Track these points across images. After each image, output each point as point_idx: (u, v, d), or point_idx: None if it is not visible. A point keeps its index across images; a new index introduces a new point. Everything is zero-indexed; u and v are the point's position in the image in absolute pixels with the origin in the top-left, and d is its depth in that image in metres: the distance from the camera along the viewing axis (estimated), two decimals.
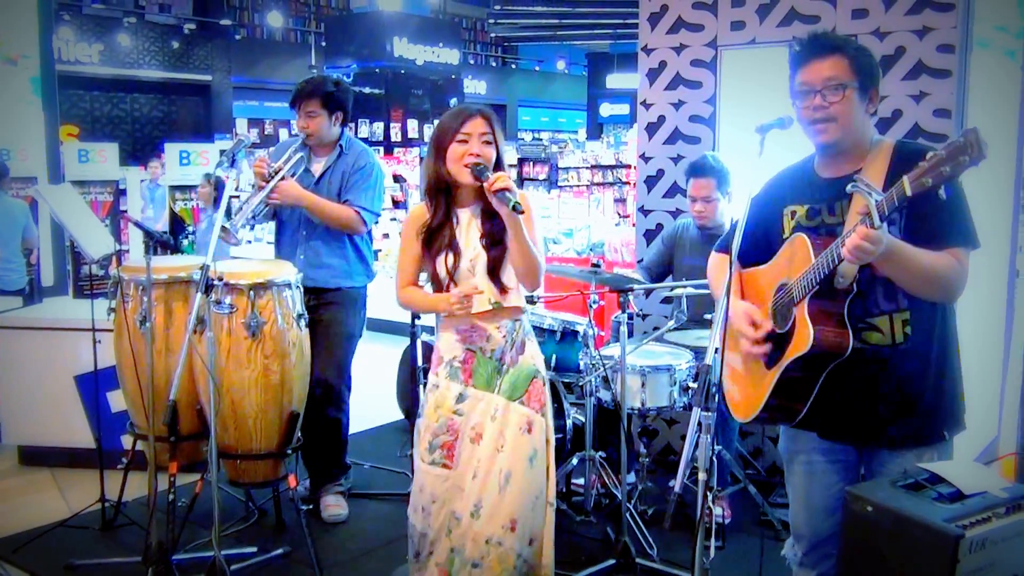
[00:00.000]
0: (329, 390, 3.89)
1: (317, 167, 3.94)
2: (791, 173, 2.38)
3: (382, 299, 5.65)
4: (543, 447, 2.71)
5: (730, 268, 2.12)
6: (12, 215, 6.16)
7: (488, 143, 2.62)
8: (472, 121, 2.63)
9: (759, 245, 2.37)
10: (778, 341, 2.22)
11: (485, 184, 2.54)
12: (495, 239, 2.66)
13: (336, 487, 4.04)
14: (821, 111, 2.17)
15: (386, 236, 8.79)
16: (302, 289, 3.64)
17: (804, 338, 2.10)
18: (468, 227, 2.70)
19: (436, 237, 2.70)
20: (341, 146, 3.95)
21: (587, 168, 16.37)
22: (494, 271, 2.67)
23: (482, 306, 2.67)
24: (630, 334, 3.73)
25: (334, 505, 3.98)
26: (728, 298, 2.09)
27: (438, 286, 2.73)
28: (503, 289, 2.69)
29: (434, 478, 2.69)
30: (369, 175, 3.91)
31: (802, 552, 2.47)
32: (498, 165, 2.67)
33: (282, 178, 3.74)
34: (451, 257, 2.68)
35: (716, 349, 2.04)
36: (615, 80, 24.80)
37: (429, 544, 2.71)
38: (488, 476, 2.63)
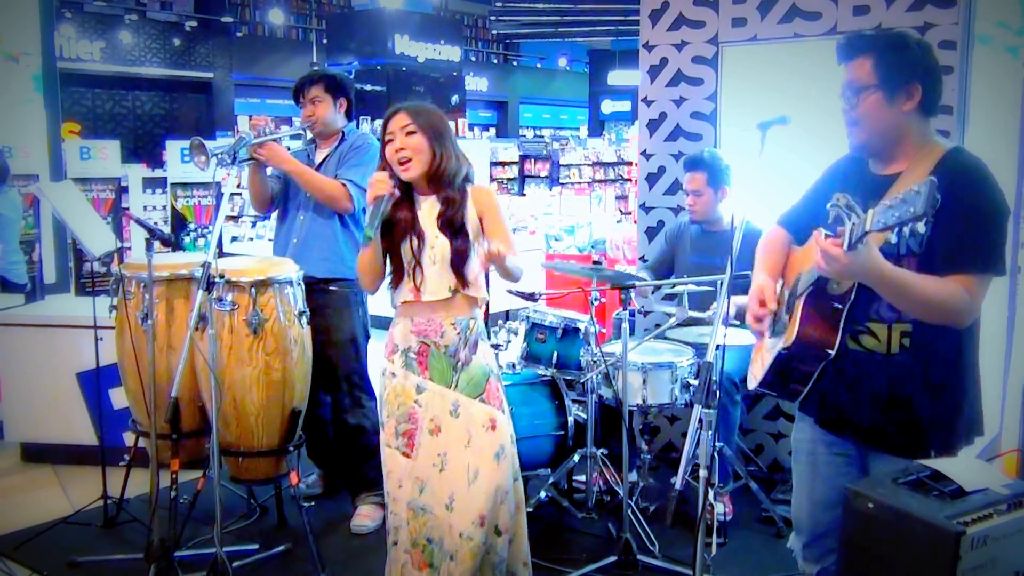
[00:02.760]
0: (343, 398, 3.87)
1: (319, 157, 3.92)
2: (851, 159, 2.34)
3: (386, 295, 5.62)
4: (509, 444, 2.74)
5: (730, 266, 2.13)
6: (17, 211, 6.18)
7: (411, 133, 2.67)
8: (393, 119, 2.71)
9: (813, 226, 2.36)
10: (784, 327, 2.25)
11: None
12: (454, 227, 2.70)
13: (373, 496, 3.86)
14: (846, 115, 2.17)
15: None
16: (303, 286, 3.63)
17: (790, 333, 2.14)
18: (429, 215, 2.74)
19: (397, 224, 2.74)
20: (343, 133, 3.93)
21: (589, 165, 16.38)
22: (457, 261, 2.70)
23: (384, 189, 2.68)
24: (631, 331, 3.73)
25: (365, 515, 3.85)
26: (728, 296, 2.09)
27: (400, 274, 2.76)
28: (464, 282, 2.73)
29: (397, 464, 2.74)
30: (364, 152, 3.82)
31: (803, 544, 2.49)
32: (436, 145, 2.68)
33: (276, 140, 3.73)
34: (415, 241, 2.72)
35: (718, 346, 2.05)
36: (616, 77, 24.75)
37: (395, 531, 2.77)
38: (457, 471, 2.67)
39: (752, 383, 2.42)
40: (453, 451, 2.68)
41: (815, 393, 2.22)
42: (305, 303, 3.60)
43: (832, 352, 2.10)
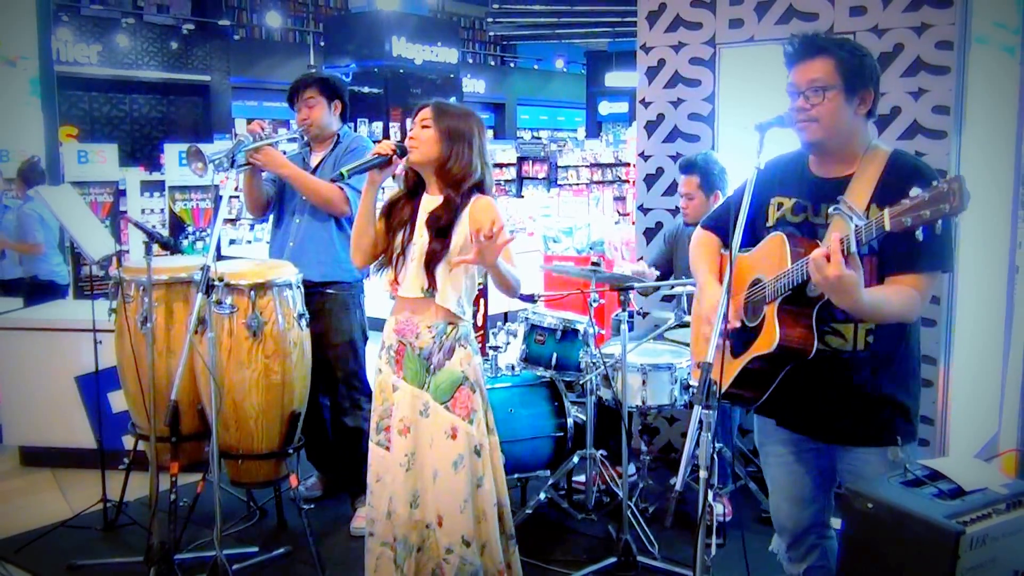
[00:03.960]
0: (342, 400, 3.87)
1: (314, 160, 3.92)
2: (785, 163, 2.39)
3: (382, 298, 5.62)
4: (469, 454, 2.72)
5: (731, 264, 2.13)
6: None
7: (426, 127, 2.76)
8: (420, 112, 2.82)
9: (744, 230, 2.38)
10: (747, 333, 2.25)
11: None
12: (436, 227, 2.73)
13: None
14: (803, 112, 2.20)
15: None
16: (303, 289, 3.63)
17: (770, 338, 2.13)
18: (426, 212, 2.79)
19: (396, 212, 2.85)
20: (338, 135, 3.93)
21: (586, 167, 16.39)
22: (429, 262, 2.73)
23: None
24: (630, 332, 3.73)
25: (364, 517, 3.82)
26: (728, 295, 2.09)
27: (388, 260, 2.85)
28: (434, 284, 2.74)
29: (378, 457, 2.81)
30: (360, 155, 3.70)
31: (786, 544, 2.50)
32: (448, 145, 2.74)
33: (272, 144, 3.73)
34: (408, 233, 2.80)
35: (716, 345, 2.05)
36: (614, 78, 24.77)
37: (371, 523, 2.82)
38: (422, 470, 2.73)
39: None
40: (420, 451, 2.73)
41: (775, 397, 2.24)
42: (304, 306, 3.60)
43: (811, 354, 2.12)
